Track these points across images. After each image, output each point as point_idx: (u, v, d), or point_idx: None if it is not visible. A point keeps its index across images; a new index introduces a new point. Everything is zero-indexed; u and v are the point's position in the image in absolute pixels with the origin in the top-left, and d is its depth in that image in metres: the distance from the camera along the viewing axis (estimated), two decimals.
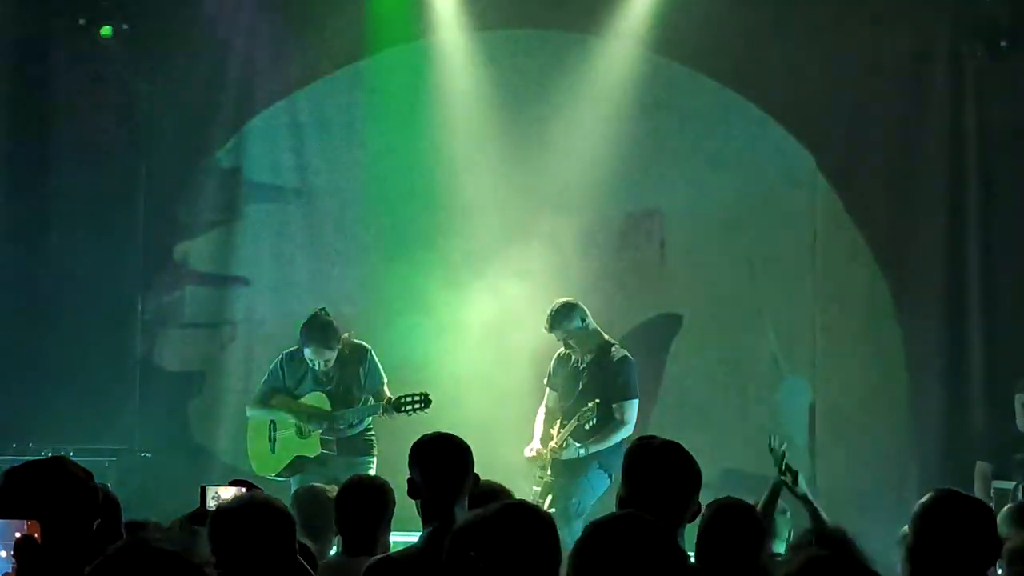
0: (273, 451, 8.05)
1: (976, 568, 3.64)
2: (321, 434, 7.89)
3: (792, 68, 9.48)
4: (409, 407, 7.78)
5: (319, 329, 7.87)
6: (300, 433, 7.95)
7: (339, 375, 7.94)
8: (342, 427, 7.93)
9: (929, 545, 3.63)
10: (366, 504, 4.86)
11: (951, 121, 9.47)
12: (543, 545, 3.31)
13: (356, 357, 7.96)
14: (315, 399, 7.98)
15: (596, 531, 2.96)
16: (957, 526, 3.63)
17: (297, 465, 7.97)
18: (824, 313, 9.59)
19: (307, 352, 7.88)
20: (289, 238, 9.75)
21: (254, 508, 3.55)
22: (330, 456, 7.90)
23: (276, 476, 8.02)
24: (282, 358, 8.08)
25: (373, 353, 8.00)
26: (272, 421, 8.03)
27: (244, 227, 9.77)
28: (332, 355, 7.89)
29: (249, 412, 8.15)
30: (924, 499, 3.78)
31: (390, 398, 7.83)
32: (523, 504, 3.49)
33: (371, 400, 7.96)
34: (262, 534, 3.48)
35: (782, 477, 5.32)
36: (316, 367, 7.90)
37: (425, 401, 7.82)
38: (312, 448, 7.92)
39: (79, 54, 9.56)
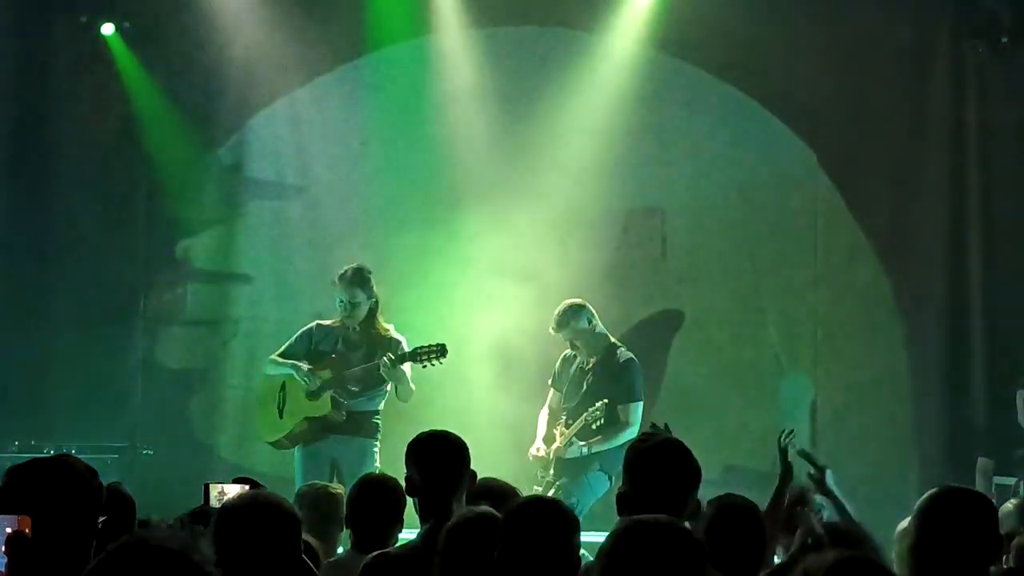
0: (281, 416, 8.02)
1: (980, 563, 3.63)
2: (332, 395, 7.87)
3: (793, 64, 9.48)
4: (425, 357, 7.78)
5: (352, 270, 7.92)
6: (310, 396, 7.93)
7: (366, 346, 7.94)
8: (355, 389, 7.90)
9: (933, 541, 3.63)
10: (379, 503, 4.86)
11: (952, 117, 9.48)
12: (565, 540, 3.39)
13: (388, 342, 7.95)
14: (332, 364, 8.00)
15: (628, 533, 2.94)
16: (961, 521, 3.63)
17: (303, 430, 7.92)
18: (825, 309, 9.60)
19: (336, 295, 7.90)
20: (290, 235, 9.76)
21: (260, 507, 3.52)
22: (336, 425, 7.87)
23: (279, 440, 7.97)
24: (314, 324, 8.11)
25: (405, 346, 7.99)
26: (282, 387, 8.01)
27: (245, 224, 9.77)
28: (359, 295, 7.88)
29: (267, 368, 8.15)
30: (927, 494, 3.77)
31: (407, 350, 7.81)
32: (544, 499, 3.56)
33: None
34: (268, 533, 3.46)
35: (809, 473, 5.26)
36: (343, 312, 7.89)
37: (441, 351, 7.81)
38: (322, 408, 7.89)
39: (80, 52, 9.56)
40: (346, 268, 7.97)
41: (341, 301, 7.92)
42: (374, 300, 7.95)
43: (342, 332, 7.99)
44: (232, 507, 3.57)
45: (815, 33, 9.47)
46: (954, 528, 3.61)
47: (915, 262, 9.56)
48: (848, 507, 5.17)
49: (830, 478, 5.22)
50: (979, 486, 8.25)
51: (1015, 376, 8.81)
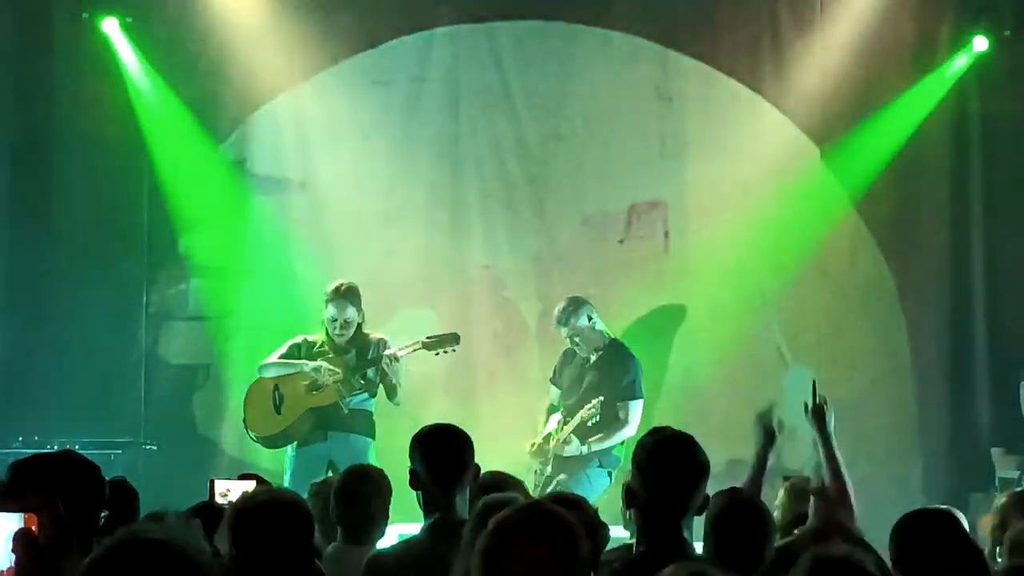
0: (279, 412, 8.01)
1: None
2: (339, 386, 7.86)
3: (795, 58, 9.48)
4: (438, 346, 7.81)
5: (345, 288, 7.93)
6: (313, 387, 7.92)
7: (355, 350, 7.96)
8: (361, 383, 7.91)
9: (908, 566, 3.72)
10: (367, 494, 4.87)
11: (955, 110, 9.47)
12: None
13: (376, 342, 7.97)
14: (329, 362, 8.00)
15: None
16: (933, 543, 3.72)
17: (302, 424, 7.91)
18: (828, 303, 9.59)
19: (328, 311, 7.91)
20: (293, 230, 9.75)
21: (278, 506, 3.53)
22: (336, 420, 7.86)
23: (276, 435, 7.96)
24: (302, 339, 8.11)
25: (390, 344, 8.00)
26: (276, 387, 8.01)
27: (248, 219, 9.77)
28: (352, 313, 7.91)
29: (265, 372, 8.13)
30: (898, 521, 3.88)
31: (422, 340, 7.82)
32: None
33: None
34: (285, 532, 3.47)
35: (806, 405, 5.26)
36: (335, 330, 7.90)
37: (454, 339, 7.84)
38: (327, 398, 7.89)
39: (82, 47, 9.56)
40: (338, 286, 7.97)
41: (334, 319, 7.91)
42: (362, 314, 7.98)
43: (328, 342, 8.00)
44: (250, 505, 3.57)
45: (817, 26, 9.46)
46: (927, 551, 3.71)
47: (918, 255, 9.56)
48: (839, 455, 5.14)
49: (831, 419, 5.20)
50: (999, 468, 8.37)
51: (1018, 368, 8.81)
